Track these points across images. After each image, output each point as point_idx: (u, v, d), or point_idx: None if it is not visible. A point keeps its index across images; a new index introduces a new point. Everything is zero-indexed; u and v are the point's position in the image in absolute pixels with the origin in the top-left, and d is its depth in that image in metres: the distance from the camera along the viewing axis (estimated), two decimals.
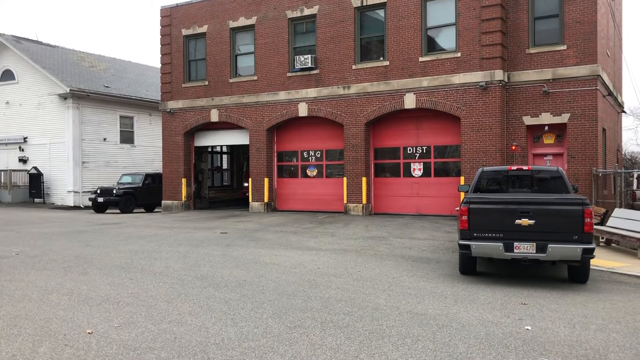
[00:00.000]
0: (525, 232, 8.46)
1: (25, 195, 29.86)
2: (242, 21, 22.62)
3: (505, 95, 18.10)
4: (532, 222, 8.41)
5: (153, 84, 34.60)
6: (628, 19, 68.73)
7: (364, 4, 20.00)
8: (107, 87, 30.92)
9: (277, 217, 19.59)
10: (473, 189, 10.34)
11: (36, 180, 29.29)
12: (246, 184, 29.11)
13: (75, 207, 28.05)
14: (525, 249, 8.44)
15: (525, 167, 10.51)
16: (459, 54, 18.34)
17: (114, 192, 24.49)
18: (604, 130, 18.77)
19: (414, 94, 19.04)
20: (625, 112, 27.92)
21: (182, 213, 22.90)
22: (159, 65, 26.11)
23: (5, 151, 31.22)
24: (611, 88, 19.83)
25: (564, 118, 17.29)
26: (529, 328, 6.27)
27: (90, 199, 25.46)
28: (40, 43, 33.35)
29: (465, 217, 8.77)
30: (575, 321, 6.59)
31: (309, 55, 20.83)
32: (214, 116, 23.31)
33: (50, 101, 29.28)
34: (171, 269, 9.91)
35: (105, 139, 30.23)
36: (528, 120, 17.83)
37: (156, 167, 30.90)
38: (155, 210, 25.99)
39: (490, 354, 5.41)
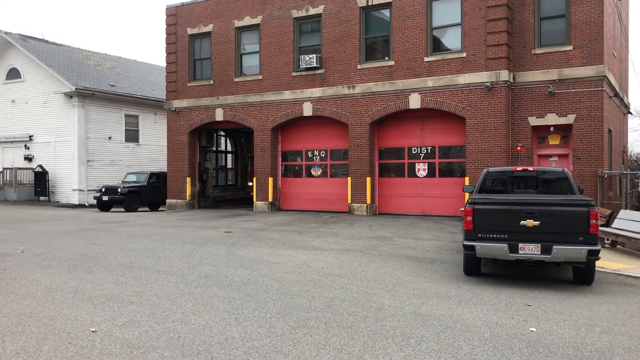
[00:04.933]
0: (530, 233, 8.42)
1: (30, 193, 29.97)
2: (248, 20, 22.62)
3: (510, 96, 18.04)
4: (537, 223, 8.37)
5: (158, 83, 34.68)
6: (635, 20, 68.40)
7: (369, 3, 19.96)
8: (113, 85, 31.01)
9: (281, 217, 19.59)
10: (478, 189, 10.30)
11: (41, 178, 29.39)
12: (250, 183, 29.12)
13: (80, 206, 28.14)
14: (530, 250, 8.40)
15: (530, 168, 10.47)
16: (464, 54, 18.29)
17: (119, 190, 24.54)
18: (609, 131, 18.68)
19: (419, 94, 19.00)
20: (631, 114, 27.80)
21: (187, 212, 22.93)
22: (164, 64, 26.18)
23: (11, 149, 31.35)
24: (617, 89, 19.73)
25: (569, 119, 17.21)
26: (534, 330, 6.25)
27: (95, 198, 25.51)
28: (47, 42, 33.47)
29: (470, 218, 8.74)
30: (580, 323, 6.56)
31: (314, 55, 20.81)
32: (219, 115, 23.33)
33: (56, 100, 29.38)
34: (175, 267, 9.93)
35: (110, 138, 30.33)
36: (533, 121, 17.76)
37: (161, 165, 30.96)
38: (160, 209, 26.02)
39: (495, 355, 5.39)
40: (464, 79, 18.22)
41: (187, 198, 24.28)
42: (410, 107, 19.22)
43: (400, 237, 14.14)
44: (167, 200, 24.82)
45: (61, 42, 35.71)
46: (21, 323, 6.38)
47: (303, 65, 21.04)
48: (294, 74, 21.55)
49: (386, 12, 19.93)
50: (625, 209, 15.02)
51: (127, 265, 10.17)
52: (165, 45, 24.89)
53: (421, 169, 19.71)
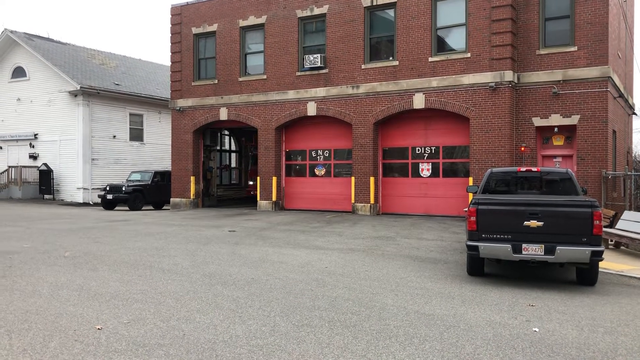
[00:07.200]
0: (533, 234, 8.42)
1: (35, 191, 30.10)
2: (252, 20, 22.67)
3: (514, 96, 18.03)
4: (540, 223, 8.38)
5: (163, 82, 34.77)
6: None
7: (374, 3, 19.98)
8: (117, 84, 31.10)
9: (285, 216, 19.63)
10: (482, 190, 10.32)
11: (46, 176, 29.51)
12: (251, 182, 29.20)
13: (85, 204, 28.24)
14: (533, 250, 8.41)
15: (534, 169, 10.49)
16: (468, 55, 18.29)
17: (123, 189, 24.62)
18: (614, 132, 18.65)
19: (423, 94, 19.01)
20: (636, 114, 27.69)
21: (191, 211, 22.99)
22: (169, 63, 26.24)
23: (16, 147, 31.49)
24: (622, 90, 19.69)
25: (573, 120, 17.20)
26: (537, 330, 6.27)
27: (99, 196, 25.62)
28: (52, 40, 33.58)
29: (473, 218, 8.76)
30: (583, 324, 6.57)
31: (319, 55, 20.84)
32: (223, 115, 23.38)
33: (60, 98, 29.49)
34: (179, 266, 9.97)
35: (114, 137, 30.43)
36: (537, 122, 17.75)
37: (165, 164, 31.05)
38: (164, 207, 26.11)
39: (498, 355, 5.41)
40: (468, 79, 18.22)
41: (191, 197, 24.34)
42: (414, 107, 19.23)
43: (404, 237, 14.16)
44: (171, 199, 24.89)
45: (66, 40, 35.92)
46: (28, 320, 6.44)
47: (307, 65, 21.08)
48: (298, 73, 21.58)
49: (391, 12, 19.94)
50: (629, 210, 15.00)
51: (131, 263, 10.23)
52: (170, 44, 24.95)
53: (425, 169, 19.71)
